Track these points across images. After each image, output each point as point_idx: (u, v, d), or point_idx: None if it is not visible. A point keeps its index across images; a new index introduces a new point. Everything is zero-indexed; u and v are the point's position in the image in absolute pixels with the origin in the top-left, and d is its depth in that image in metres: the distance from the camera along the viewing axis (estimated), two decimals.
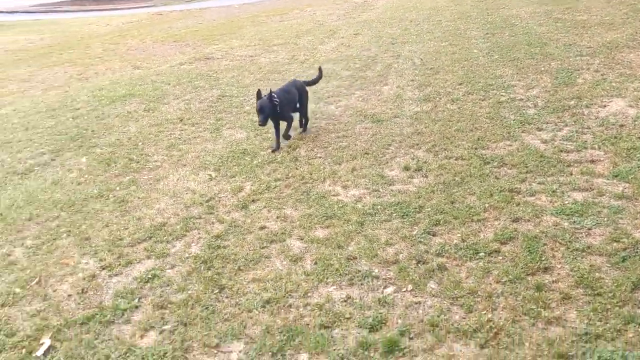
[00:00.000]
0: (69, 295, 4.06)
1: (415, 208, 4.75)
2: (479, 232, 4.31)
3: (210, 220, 4.99)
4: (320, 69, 7.59)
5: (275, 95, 6.44)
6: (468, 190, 4.97)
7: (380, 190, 5.18)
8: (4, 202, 5.72)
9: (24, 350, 3.49)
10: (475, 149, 5.88)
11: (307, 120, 7.15)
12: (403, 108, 7.49)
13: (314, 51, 12.05)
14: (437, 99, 7.75)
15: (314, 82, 7.47)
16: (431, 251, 4.12)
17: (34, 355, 3.44)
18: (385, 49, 11.50)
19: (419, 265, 3.98)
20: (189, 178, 5.95)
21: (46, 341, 3.54)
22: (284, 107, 6.54)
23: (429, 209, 4.71)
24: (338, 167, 5.81)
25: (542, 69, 8.65)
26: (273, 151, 6.45)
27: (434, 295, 3.64)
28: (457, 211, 4.62)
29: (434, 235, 4.34)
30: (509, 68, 8.93)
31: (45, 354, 3.44)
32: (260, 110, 6.27)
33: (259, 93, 6.37)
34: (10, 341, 3.59)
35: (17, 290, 4.15)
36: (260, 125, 6.33)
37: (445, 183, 5.15)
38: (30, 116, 8.96)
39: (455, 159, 5.68)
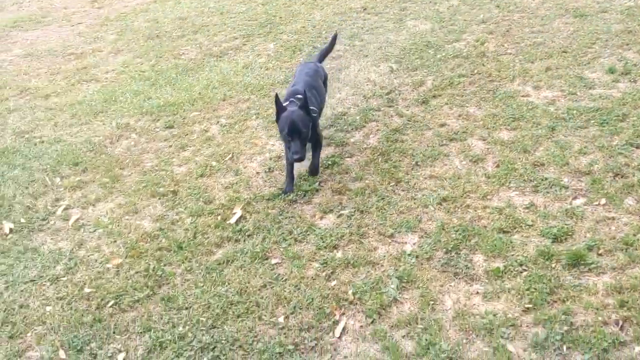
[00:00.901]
0: (257, 173, 4.37)
1: (618, 116, 4.25)
2: None
3: (389, 113, 4.96)
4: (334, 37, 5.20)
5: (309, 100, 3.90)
6: None
7: (578, 93, 4.70)
8: (202, 82, 6.21)
9: (219, 217, 3.88)
10: None
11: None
12: (613, 1, 6.55)
13: None
14: None
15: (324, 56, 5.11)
16: (632, 165, 3.70)
17: (227, 222, 3.82)
18: None
19: (616, 178, 3.62)
20: (369, 69, 5.90)
21: (238, 211, 3.90)
22: (316, 116, 4.12)
23: (635, 118, 4.19)
24: (530, 65, 5.35)
25: None
26: (285, 193, 4.04)
27: (630, 213, 3.31)
28: None
29: (637, 148, 3.88)
30: None
31: (237, 222, 3.79)
32: (294, 132, 3.71)
33: (277, 100, 3.84)
34: (208, 208, 4.00)
35: (214, 163, 4.56)
36: (297, 160, 3.75)
37: None
38: (224, 1, 9.42)
39: None
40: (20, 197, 4.39)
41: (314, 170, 4.10)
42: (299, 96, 3.95)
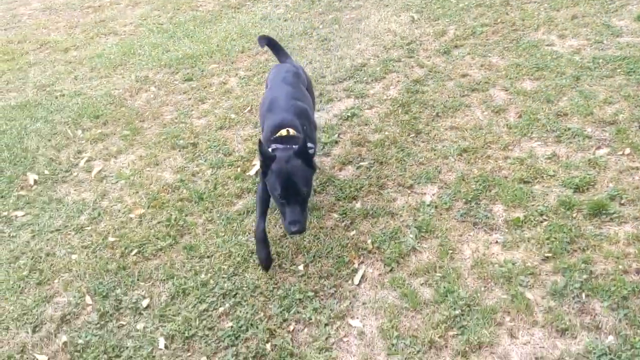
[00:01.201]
0: None
1: None
2: None
3: (410, 64, 4.88)
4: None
5: (309, 139, 2.91)
6: None
7: (605, 42, 4.56)
8: (220, 34, 6.15)
9: (238, 169, 3.90)
10: None
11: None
12: None
13: None
14: None
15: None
16: None
17: (247, 174, 3.84)
18: None
19: None
20: (390, 19, 5.78)
21: (257, 163, 3.90)
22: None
23: None
24: (556, 13, 5.19)
25: None
26: (266, 268, 2.95)
27: None
28: None
29: None
30: None
31: (256, 174, 3.81)
32: (290, 193, 2.67)
33: (262, 147, 2.76)
34: (227, 160, 4.02)
35: (233, 115, 4.56)
36: (296, 232, 2.67)
37: None
38: None
39: None
40: (44, 149, 4.46)
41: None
42: (291, 130, 2.87)
